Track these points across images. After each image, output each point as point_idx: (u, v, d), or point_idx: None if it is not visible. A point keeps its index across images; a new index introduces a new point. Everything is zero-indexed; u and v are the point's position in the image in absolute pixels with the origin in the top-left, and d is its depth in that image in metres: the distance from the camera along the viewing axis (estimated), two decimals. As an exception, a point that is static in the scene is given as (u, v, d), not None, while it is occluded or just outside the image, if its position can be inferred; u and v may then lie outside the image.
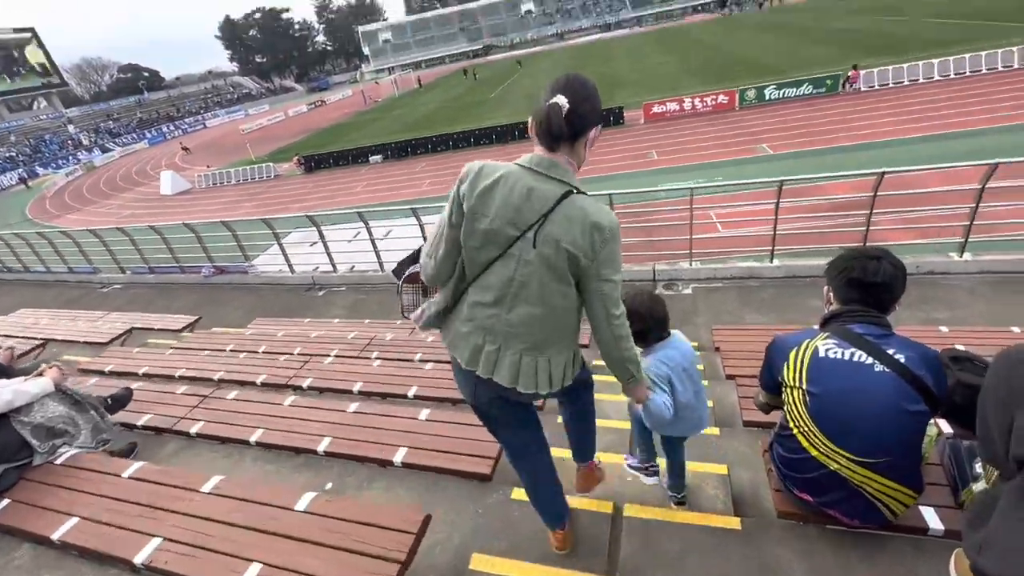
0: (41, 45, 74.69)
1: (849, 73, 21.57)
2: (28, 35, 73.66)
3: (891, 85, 21.16)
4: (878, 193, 5.05)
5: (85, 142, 64.27)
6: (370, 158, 27.75)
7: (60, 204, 35.11)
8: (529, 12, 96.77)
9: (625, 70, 40.04)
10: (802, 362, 1.64)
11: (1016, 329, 3.72)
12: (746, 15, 67.36)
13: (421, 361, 4.06)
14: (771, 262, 5.78)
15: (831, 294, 1.78)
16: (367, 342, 4.63)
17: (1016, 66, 19.89)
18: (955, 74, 20.60)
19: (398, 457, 2.39)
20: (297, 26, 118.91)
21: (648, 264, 6.28)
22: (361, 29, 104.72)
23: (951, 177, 6.21)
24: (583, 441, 2.03)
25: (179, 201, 28.49)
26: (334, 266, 7.94)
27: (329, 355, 4.34)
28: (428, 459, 2.37)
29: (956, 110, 16.57)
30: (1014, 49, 20.17)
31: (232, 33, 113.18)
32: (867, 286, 1.63)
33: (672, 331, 2.04)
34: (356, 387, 3.46)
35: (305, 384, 3.61)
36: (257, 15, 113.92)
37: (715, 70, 31.58)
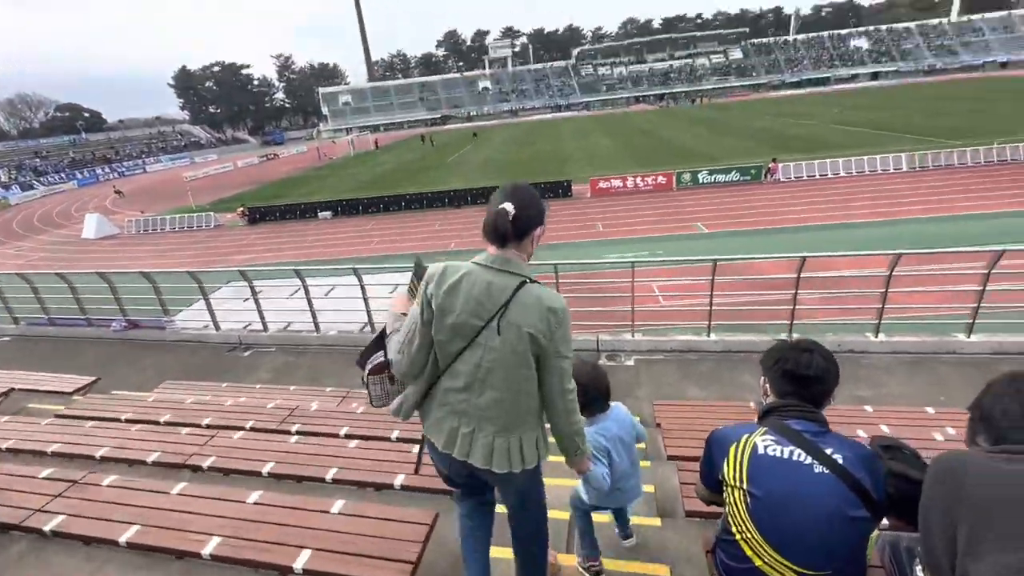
0: (-31, 77, 70.42)
1: (770, 165, 24.08)
2: (-44, 66, 69.58)
3: (805, 177, 23.74)
4: (801, 274, 5.39)
5: (3, 178, 59.57)
6: (319, 214, 27.29)
7: (-41, 243, 31.71)
8: (486, 89, 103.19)
9: (572, 147, 42.82)
10: (742, 459, 1.55)
11: (930, 410, 3.90)
12: (681, 109, 75.05)
13: (346, 437, 3.69)
14: (708, 336, 5.94)
15: (767, 385, 1.74)
16: (288, 412, 4.20)
17: (904, 169, 23.01)
18: (856, 172, 23.48)
19: (300, 562, 2.04)
20: (256, 82, 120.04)
21: (592, 334, 6.29)
22: (322, 90, 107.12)
23: (863, 262, 6.77)
24: (527, 569, 1.98)
25: (103, 247, 26.50)
26: (264, 324, 7.41)
27: (243, 428, 3.87)
28: (337, 564, 2.03)
29: (862, 202, 18.71)
30: (902, 155, 23.48)
31: (187, 83, 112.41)
32: (800, 379, 1.61)
33: (613, 404, 2.12)
34: (266, 468, 3.04)
35: (206, 464, 3.14)
36: (216, 68, 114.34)
37: (653, 154, 34.40)
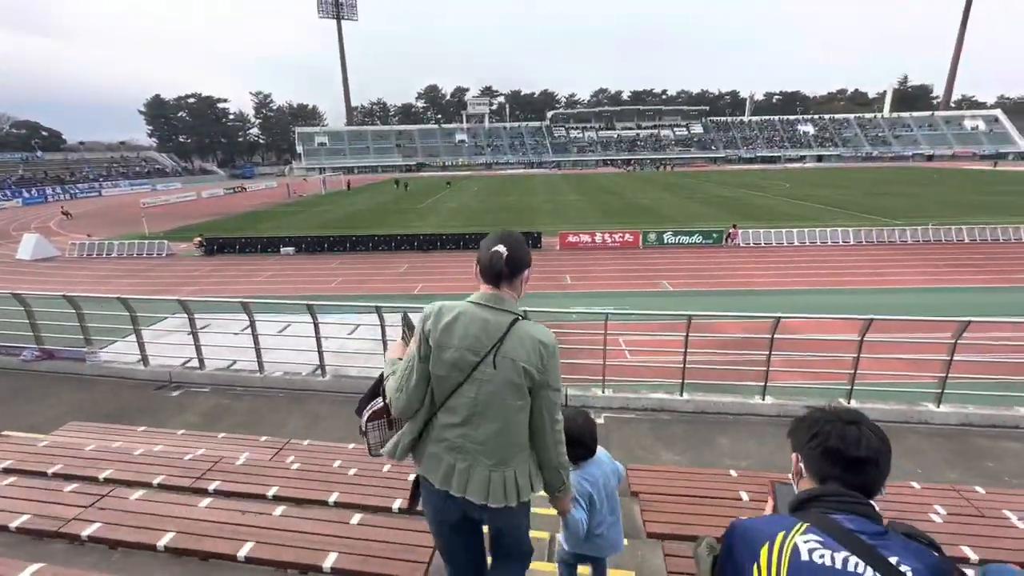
0: (-81, 85, 67.33)
1: (730, 230, 25.18)
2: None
3: (763, 244, 24.88)
4: (775, 335, 5.28)
5: (-63, 191, 55.70)
6: (282, 249, 26.42)
7: None
8: (463, 141, 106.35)
9: (543, 202, 43.93)
10: (780, 566, 1.20)
11: (915, 485, 3.69)
12: (646, 174, 79.16)
13: (274, 499, 3.12)
14: (681, 395, 5.69)
15: (801, 464, 1.42)
16: (210, 466, 3.58)
17: (852, 242, 24.52)
18: (809, 242, 24.82)
19: None
20: (232, 116, 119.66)
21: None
22: (299, 129, 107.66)
23: (827, 327, 6.78)
24: None
25: (37, 269, 24.57)
26: (201, 361, 6.68)
27: (148, 484, 3.24)
28: None
29: (815, 270, 19.60)
30: (850, 229, 25.12)
31: (159, 111, 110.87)
32: (850, 461, 1.30)
33: (598, 448, 2.17)
34: (163, 541, 2.45)
35: (86, 532, 2.51)
36: (191, 99, 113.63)
37: (620, 212, 35.62)
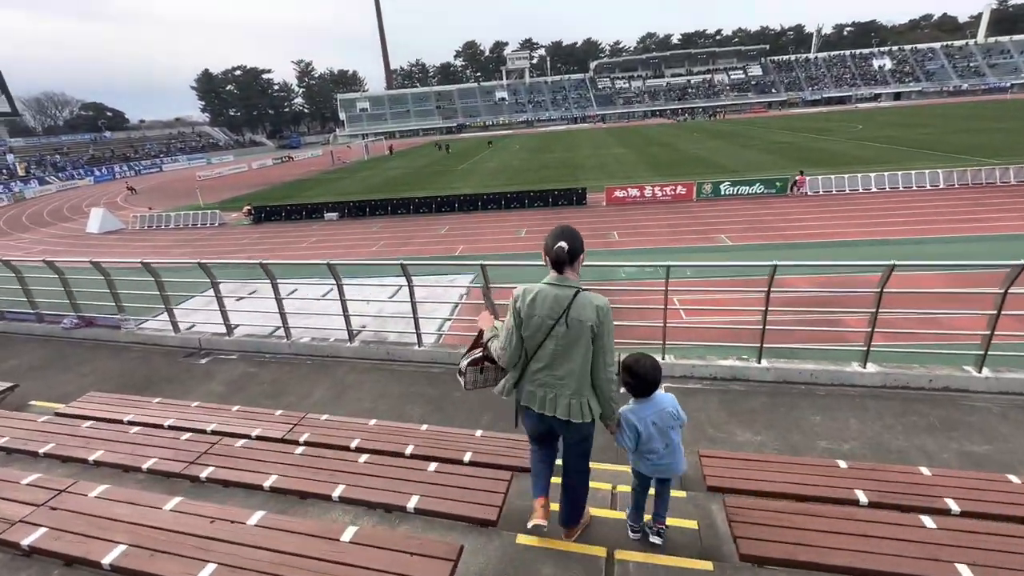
0: (-3, 73, 72.04)
1: (796, 177, 22.83)
2: (-15, 62, 71.20)
3: (834, 192, 22.44)
4: (884, 289, 4.22)
5: (21, 172, 60.20)
6: (325, 215, 26.57)
7: (-34, 233, 31.51)
8: (503, 99, 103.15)
9: (587, 157, 41.89)
10: None
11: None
12: (697, 123, 74.01)
13: (272, 490, 2.60)
14: (759, 361, 4.77)
15: None
16: (207, 448, 3.12)
17: (942, 185, 21.64)
18: (889, 188, 22.14)
19: None
20: (277, 87, 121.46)
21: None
22: (340, 96, 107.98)
23: (953, 280, 5.55)
24: (572, 505, 2.67)
25: (104, 241, 25.94)
26: (228, 328, 6.38)
27: (138, 468, 2.80)
28: None
29: (898, 218, 17.38)
30: (939, 171, 22.13)
31: (209, 86, 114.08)
32: None
33: (659, 392, 2.50)
34: (110, 556, 1.95)
35: (26, 541, 2.06)
36: (237, 72, 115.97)
37: (670, 164, 33.31)
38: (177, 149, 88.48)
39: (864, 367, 4.55)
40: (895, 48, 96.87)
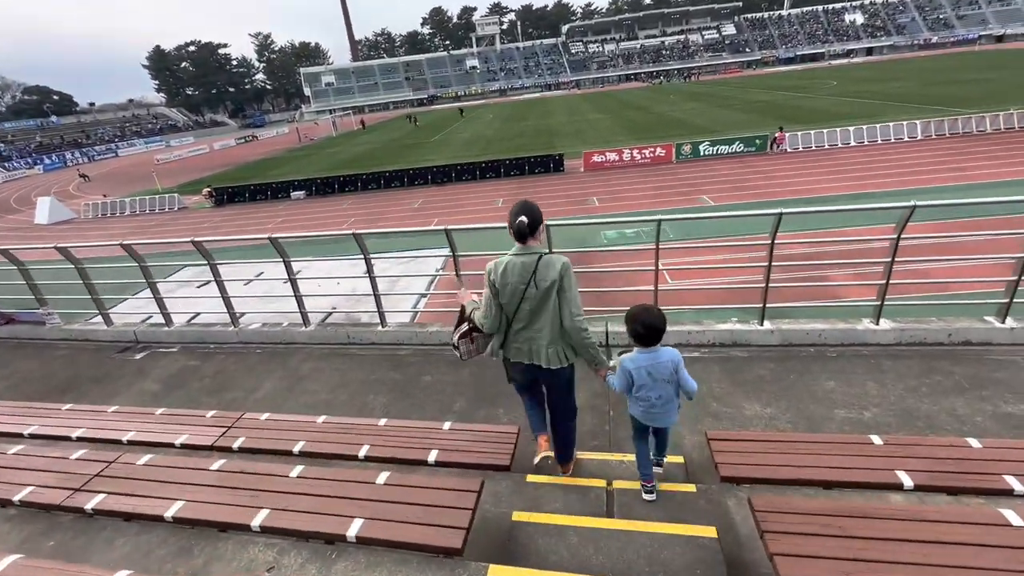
0: (-76, 56, 66.75)
1: (776, 135, 22.37)
2: (-91, 45, 65.82)
3: (814, 147, 22.10)
4: (900, 239, 3.72)
5: (-40, 163, 56.39)
6: (292, 194, 25.31)
7: (-98, 231, 29.29)
8: (474, 68, 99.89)
9: (563, 123, 40.79)
10: None
11: None
12: (672, 85, 72.80)
13: (175, 521, 1.99)
14: (761, 323, 4.28)
15: None
16: (104, 467, 2.49)
17: (920, 136, 21.45)
18: (869, 141, 21.87)
19: None
20: (235, 62, 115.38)
21: (599, 327, 4.61)
22: (304, 71, 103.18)
23: (968, 227, 5.07)
24: (564, 443, 2.99)
25: (54, 232, 24.30)
26: (166, 317, 5.64)
27: (11, 501, 2.15)
28: None
29: (882, 170, 17.11)
30: (917, 122, 21.89)
31: (161, 63, 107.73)
32: None
33: (665, 348, 2.55)
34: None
35: None
36: (191, 48, 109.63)
37: (647, 128, 32.55)
38: (133, 133, 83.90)
39: (877, 324, 4.10)
40: (867, 2, 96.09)
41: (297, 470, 2.37)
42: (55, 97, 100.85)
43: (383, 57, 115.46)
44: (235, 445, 3.05)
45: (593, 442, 3.35)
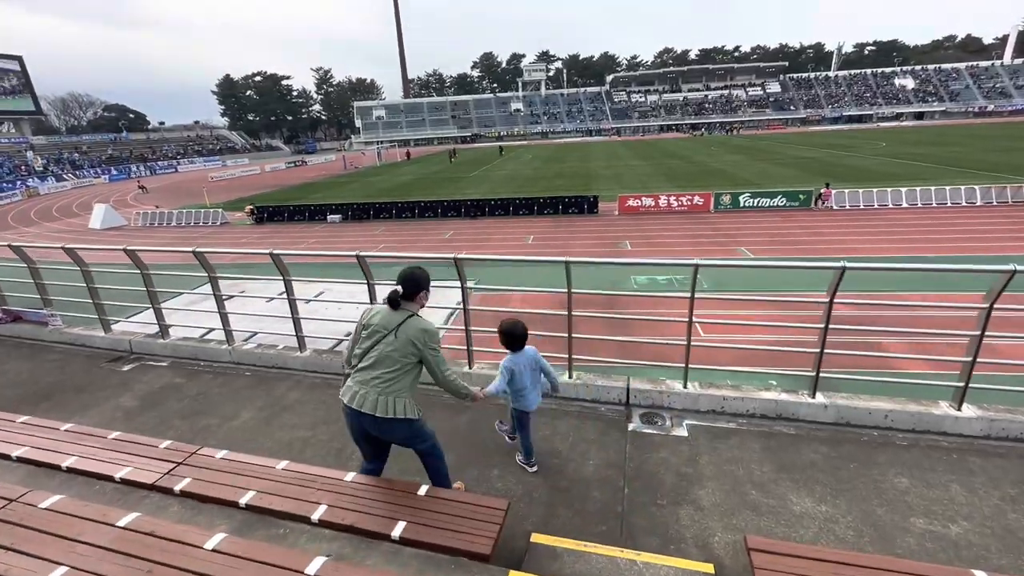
0: (25, 73, 73.86)
1: (822, 190, 21.59)
2: (14, 64, 72.95)
3: (862, 206, 21.14)
4: (994, 308, 3.06)
5: (38, 168, 60.92)
6: (328, 217, 25.86)
7: (-30, 226, 31.40)
8: (518, 111, 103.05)
9: (601, 167, 40.94)
10: None
11: None
12: (714, 138, 72.81)
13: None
14: (813, 396, 3.62)
15: None
16: (4, 504, 2.07)
17: (979, 202, 20.24)
18: (922, 204, 20.79)
19: None
20: (295, 93, 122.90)
21: (619, 381, 4.04)
22: (357, 104, 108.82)
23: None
24: (434, 480, 2.92)
25: (102, 237, 25.44)
26: (163, 330, 5.39)
27: None
28: None
29: (935, 235, 16.05)
30: (976, 187, 20.73)
31: (229, 90, 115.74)
32: None
33: (527, 347, 3.33)
34: None
35: None
36: (258, 78, 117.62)
37: (686, 176, 32.19)
38: (194, 151, 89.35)
39: (959, 409, 3.39)
40: (918, 68, 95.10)
41: (215, 541, 1.89)
42: (130, 115, 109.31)
43: (432, 95, 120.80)
44: (177, 487, 2.60)
45: (599, 528, 2.74)
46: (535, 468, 3.31)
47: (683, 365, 3.88)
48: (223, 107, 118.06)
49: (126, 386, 4.66)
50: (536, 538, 2.41)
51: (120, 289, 5.74)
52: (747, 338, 6.56)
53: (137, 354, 5.41)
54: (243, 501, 2.50)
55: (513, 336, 3.24)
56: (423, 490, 2.59)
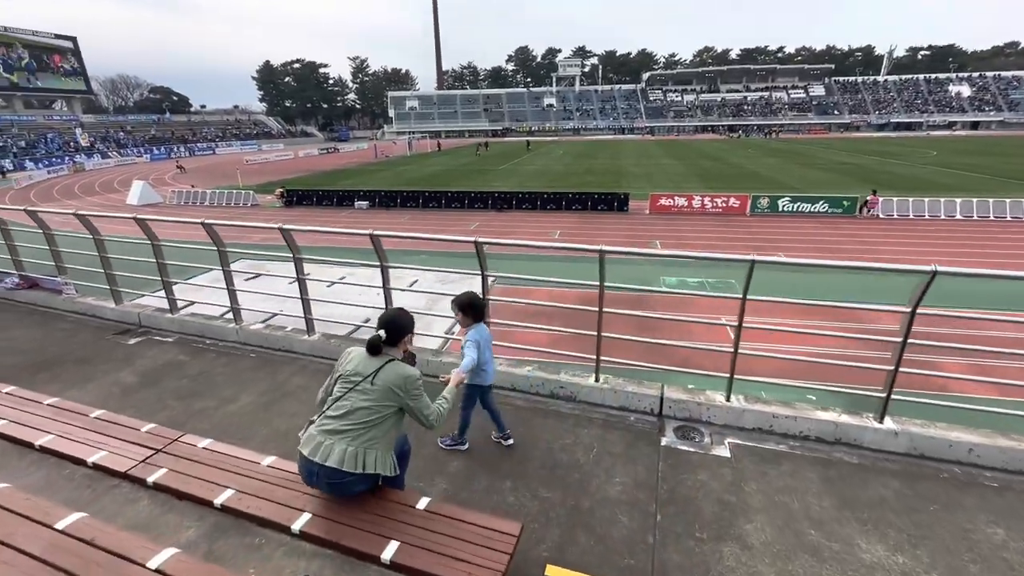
0: (77, 53, 76.75)
1: (868, 198, 20.45)
2: (69, 44, 75.89)
3: (911, 216, 19.94)
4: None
5: (84, 144, 63.28)
6: (356, 203, 25.92)
7: (20, 197, 32.70)
8: (551, 106, 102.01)
9: (633, 165, 40.02)
10: None
11: None
12: (752, 140, 70.51)
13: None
14: (880, 421, 3.12)
15: None
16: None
17: (1042, 218, 18.81)
18: (979, 215, 19.46)
19: None
20: (332, 81, 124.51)
21: (652, 388, 3.60)
22: (391, 94, 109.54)
23: None
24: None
25: (136, 212, 26.04)
26: (171, 303, 5.19)
27: None
28: None
29: (993, 248, 14.92)
30: (1040, 201, 19.28)
31: (268, 76, 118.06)
32: None
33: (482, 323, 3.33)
34: None
35: None
36: (296, 64, 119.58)
37: (721, 177, 31.09)
38: (232, 135, 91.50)
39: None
40: (975, 74, 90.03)
41: (161, 559, 1.57)
42: (174, 97, 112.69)
43: (466, 88, 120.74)
44: (151, 478, 2.31)
45: (625, 561, 2.32)
46: (467, 446, 3.29)
47: (726, 375, 3.41)
48: (262, 92, 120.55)
49: (128, 361, 4.46)
50: (552, 571, 2.02)
51: (145, 262, 5.58)
52: (795, 348, 6.02)
53: (145, 328, 5.23)
54: (219, 501, 2.19)
55: (478, 308, 3.20)
56: (423, 503, 2.23)
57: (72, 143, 64.01)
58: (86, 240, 5.38)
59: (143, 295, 6.35)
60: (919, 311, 2.83)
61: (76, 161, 54.07)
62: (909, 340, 2.89)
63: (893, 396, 3.10)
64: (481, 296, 3.31)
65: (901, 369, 2.97)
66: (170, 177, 44.28)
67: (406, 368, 2.44)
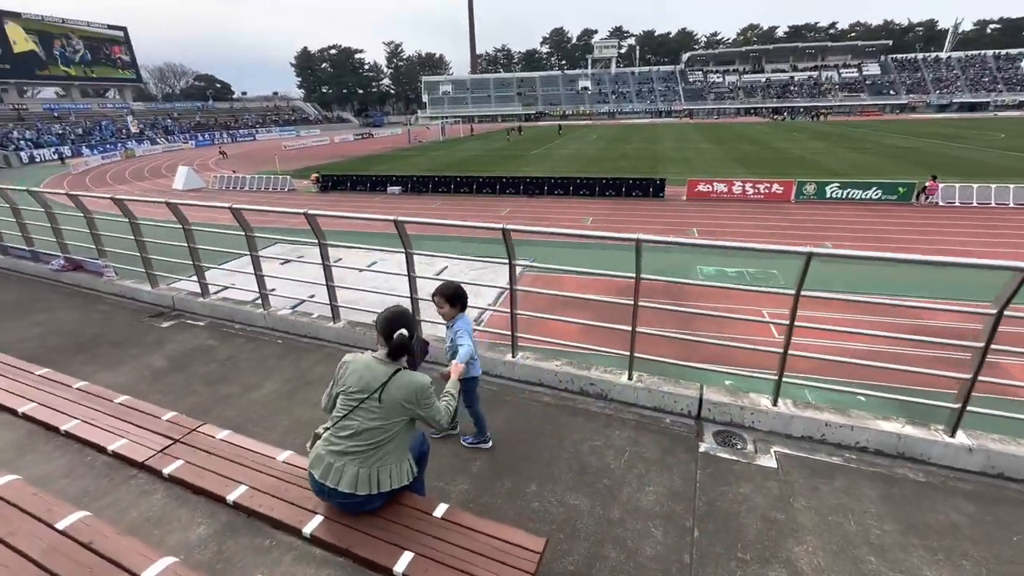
0: (128, 43, 79.83)
1: (927, 183, 19.05)
2: (120, 33, 78.98)
3: (975, 204, 18.49)
4: None
5: (134, 130, 66.14)
6: (388, 188, 26.13)
7: (76, 183, 34.52)
8: (586, 89, 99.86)
9: (670, 149, 38.75)
10: None
11: None
12: (797, 123, 67.13)
13: None
14: (951, 435, 2.79)
15: None
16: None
17: None
18: (1053, 205, 17.86)
19: None
20: (367, 67, 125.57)
21: (690, 388, 3.35)
22: (425, 79, 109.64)
23: None
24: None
25: (181, 197, 27.05)
26: (203, 287, 5.24)
27: None
28: None
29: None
30: None
31: (306, 63, 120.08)
32: None
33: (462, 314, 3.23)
34: None
35: None
36: (332, 51, 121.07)
37: (763, 163, 29.69)
38: (272, 121, 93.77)
39: None
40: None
41: (156, 569, 1.48)
42: (218, 85, 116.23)
43: (500, 71, 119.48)
44: (167, 470, 2.26)
45: (662, 583, 2.13)
46: (490, 444, 3.13)
47: (771, 374, 3.12)
48: (299, 79, 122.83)
49: (160, 344, 4.52)
50: None
51: (178, 246, 5.67)
52: (841, 346, 5.60)
53: (179, 311, 5.31)
54: (232, 497, 2.11)
55: (465, 298, 3.11)
56: (440, 510, 2.09)
57: (124, 130, 67.01)
58: (124, 224, 5.48)
59: (179, 279, 6.49)
60: (1006, 313, 2.47)
61: (128, 147, 56.60)
62: (992, 345, 2.54)
63: (969, 408, 2.76)
64: (509, 285, 3.27)
65: (980, 378, 2.62)
66: (213, 163, 45.80)
67: (414, 378, 2.26)
